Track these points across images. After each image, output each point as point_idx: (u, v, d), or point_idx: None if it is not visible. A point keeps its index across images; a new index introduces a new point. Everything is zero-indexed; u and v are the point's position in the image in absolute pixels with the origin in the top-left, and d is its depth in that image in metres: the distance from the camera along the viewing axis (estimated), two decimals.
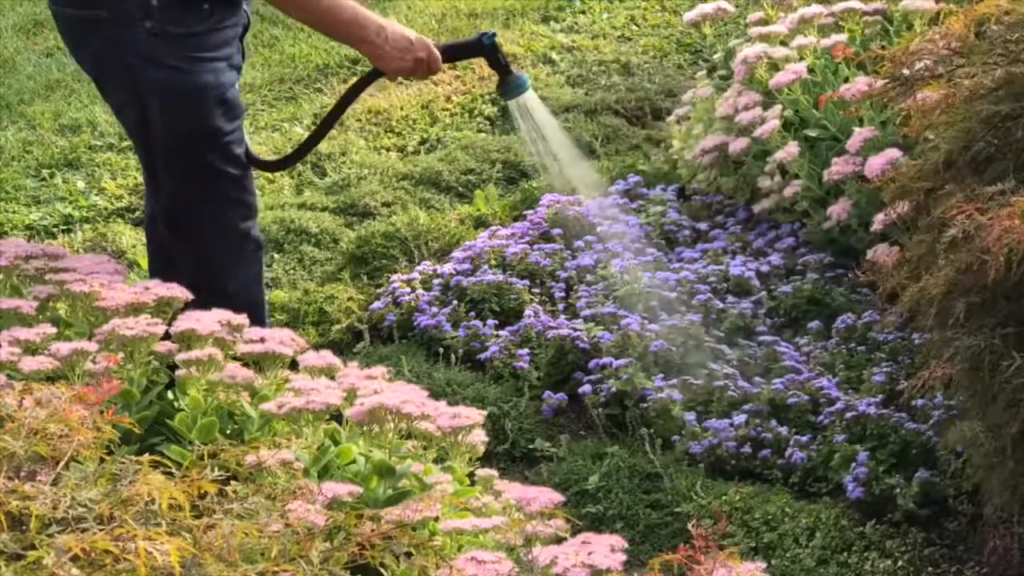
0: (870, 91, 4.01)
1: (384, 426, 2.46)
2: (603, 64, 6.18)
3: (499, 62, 3.37)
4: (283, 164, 3.75)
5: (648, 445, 3.60)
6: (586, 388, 3.82)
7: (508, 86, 3.42)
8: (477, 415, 2.57)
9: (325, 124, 3.50)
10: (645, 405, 3.68)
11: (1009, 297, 2.62)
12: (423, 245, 4.77)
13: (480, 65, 6.13)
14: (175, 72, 3.16)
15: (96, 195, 5.28)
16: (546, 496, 2.29)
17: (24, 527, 1.70)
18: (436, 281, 4.46)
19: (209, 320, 2.69)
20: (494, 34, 3.38)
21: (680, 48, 6.29)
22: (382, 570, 1.98)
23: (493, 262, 4.51)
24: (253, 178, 3.43)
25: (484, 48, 3.34)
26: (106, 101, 3.47)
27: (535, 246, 4.60)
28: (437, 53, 3.27)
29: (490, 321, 4.18)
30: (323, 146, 5.50)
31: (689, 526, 2.01)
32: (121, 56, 3.16)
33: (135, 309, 2.73)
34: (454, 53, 3.44)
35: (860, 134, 4.12)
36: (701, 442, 3.55)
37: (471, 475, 2.57)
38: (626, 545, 2.11)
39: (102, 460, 1.88)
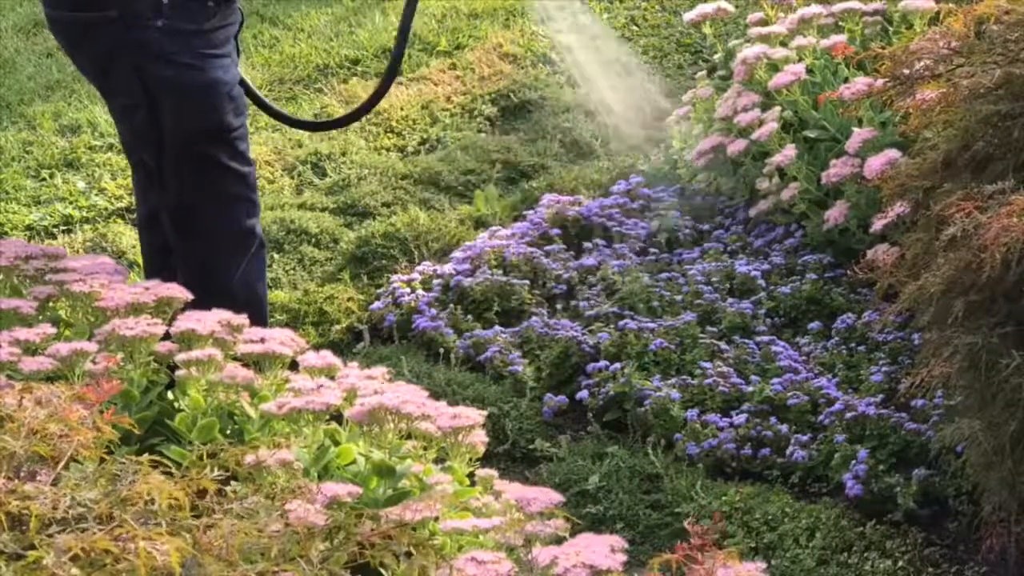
0: (870, 90, 4.01)
1: (384, 426, 2.46)
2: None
3: None
4: (351, 119, 3.92)
5: (649, 445, 3.60)
6: (583, 394, 3.81)
7: None
8: (477, 415, 2.57)
9: (395, 60, 3.61)
10: (642, 409, 3.68)
11: (1008, 296, 2.62)
12: (423, 245, 4.76)
13: (480, 65, 6.12)
14: (187, 69, 3.16)
15: (96, 195, 5.28)
16: (546, 496, 2.28)
17: (24, 527, 1.70)
18: (436, 281, 4.46)
19: (209, 320, 2.69)
20: None
21: (680, 48, 6.29)
22: (382, 570, 1.98)
23: (493, 262, 4.51)
24: (256, 176, 3.44)
25: None
26: (110, 103, 3.43)
27: (535, 247, 4.60)
28: None
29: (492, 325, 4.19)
30: (323, 146, 5.50)
31: (686, 524, 2.01)
32: (131, 56, 3.16)
33: (135, 309, 2.73)
34: None
35: (859, 135, 4.12)
36: (701, 443, 3.55)
37: (471, 475, 2.57)
38: (626, 545, 2.10)
39: (102, 460, 1.88)
